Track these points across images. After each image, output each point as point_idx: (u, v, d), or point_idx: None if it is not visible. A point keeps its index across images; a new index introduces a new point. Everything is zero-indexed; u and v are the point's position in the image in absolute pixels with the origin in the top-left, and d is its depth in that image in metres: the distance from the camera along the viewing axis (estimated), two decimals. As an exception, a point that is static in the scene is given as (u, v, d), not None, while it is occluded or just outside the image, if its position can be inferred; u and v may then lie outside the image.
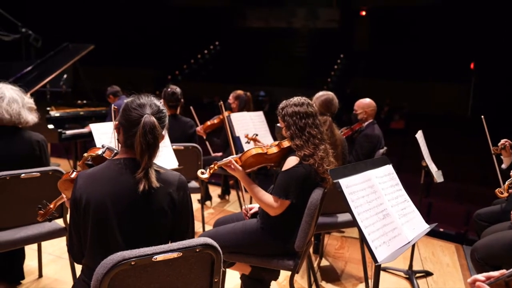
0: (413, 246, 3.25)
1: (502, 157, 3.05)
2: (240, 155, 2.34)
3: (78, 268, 1.64)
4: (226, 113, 4.61)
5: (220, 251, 1.42)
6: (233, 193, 5.12)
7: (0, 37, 5.96)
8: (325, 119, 3.07)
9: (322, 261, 3.47)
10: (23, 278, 2.87)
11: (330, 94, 3.32)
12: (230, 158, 2.32)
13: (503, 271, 1.11)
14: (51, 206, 1.95)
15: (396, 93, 12.95)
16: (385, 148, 3.75)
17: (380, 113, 11.08)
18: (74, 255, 1.57)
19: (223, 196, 5.07)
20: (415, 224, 1.83)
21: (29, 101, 2.59)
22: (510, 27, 11.15)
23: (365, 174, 1.75)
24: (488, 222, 2.84)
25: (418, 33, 13.84)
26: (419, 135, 3.16)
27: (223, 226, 2.41)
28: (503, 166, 3.04)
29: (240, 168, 2.29)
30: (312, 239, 2.66)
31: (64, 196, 1.82)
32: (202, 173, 2.27)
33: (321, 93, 3.34)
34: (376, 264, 1.56)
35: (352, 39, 16.57)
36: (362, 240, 1.57)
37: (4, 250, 2.38)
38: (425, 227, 1.86)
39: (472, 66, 13.52)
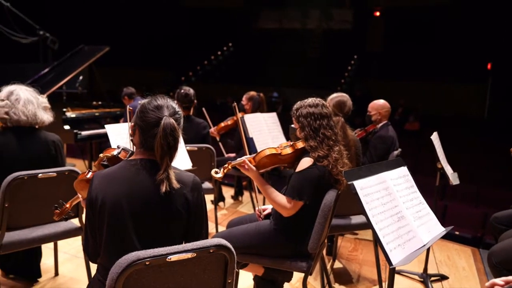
0: (428, 249, 3.21)
1: None
2: (254, 155, 2.35)
3: (93, 267, 1.66)
4: (239, 114, 4.61)
5: (234, 252, 1.42)
6: (246, 194, 5.13)
7: (18, 40, 6.07)
8: (338, 119, 3.06)
9: (335, 263, 3.45)
10: (40, 276, 2.92)
11: (345, 96, 3.33)
12: (244, 158, 2.32)
13: None
14: (67, 205, 1.98)
15: (411, 94, 12.80)
16: (399, 149, 3.72)
17: (394, 114, 10.97)
18: (90, 254, 1.59)
19: (236, 197, 5.08)
20: (430, 227, 1.80)
21: (43, 100, 2.63)
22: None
23: (379, 176, 1.74)
24: (506, 226, 2.79)
25: (433, 33, 13.68)
26: (434, 137, 3.12)
27: (236, 227, 2.42)
28: None
29: (253, 168, 2.29)
30: (326, 240, 2.65)
31: (80, 195, 1.84)
32: (216, 172, 2.28)
33: (335, 94, 3.36)
34: (391, 267, 1.54)
35: (366, 40, 16.45)
36: (377, 242, 1.56)
37: (22, 248, 2.42)
38: (440, 230, 1.84)
39: (489, 66, 13.28)
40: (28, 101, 2.51)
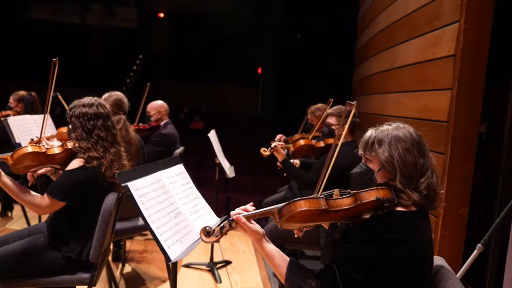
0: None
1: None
2: (11, 153, 2.04)
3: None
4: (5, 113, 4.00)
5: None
6: (17, 208, 4.28)
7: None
8: (119, 118, 3.04)
9: (125, 268, 3.29)
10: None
11: (119, 93, 3.22)
12: (4, 155, 2.04)
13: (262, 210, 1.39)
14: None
15: (195, 95, 12.35)
16: (182, 148, 3.71)
17: (180, 114, 10.77)
18: None
19: (4, 213, 4.20)
20: (207, 219, 1.83)
21: None
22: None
23: (155, 175, 1.70)
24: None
25: (213, 37, 13.11)
26: (212, 134, 3.21)
27: (1, 248, 2.12)
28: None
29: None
30: (111, 246, 2.68)
31: None
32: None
33: (108, 93, 3.20)
34: (170, 262, 1.55)
35: (151, 40, 14.84)
36: (155, 241, 1.55)
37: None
38: (216, 219, 1.84)
39: (259, 71, 15.38)
40: None
